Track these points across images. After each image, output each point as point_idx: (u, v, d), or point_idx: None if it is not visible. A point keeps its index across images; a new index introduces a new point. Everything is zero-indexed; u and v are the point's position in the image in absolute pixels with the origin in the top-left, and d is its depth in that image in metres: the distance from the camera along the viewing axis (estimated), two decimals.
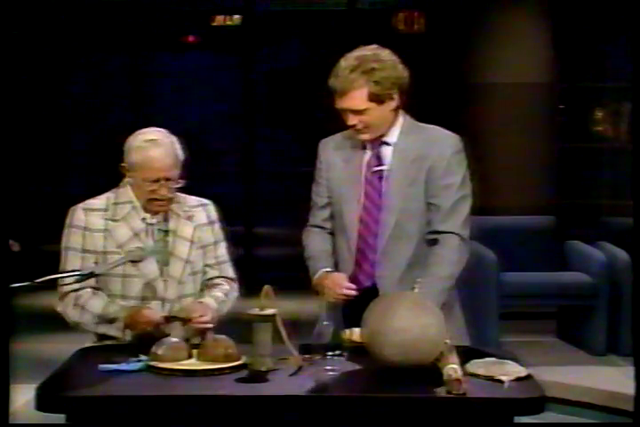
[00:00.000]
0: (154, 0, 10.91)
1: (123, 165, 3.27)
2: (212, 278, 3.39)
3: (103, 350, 3.09)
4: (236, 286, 3.43)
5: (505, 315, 6.06)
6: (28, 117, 10.22)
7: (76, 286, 3.18)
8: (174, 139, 3.29)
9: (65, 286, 3.19)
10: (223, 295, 3.35)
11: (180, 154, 3.27)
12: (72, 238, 3.28)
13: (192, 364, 2.89)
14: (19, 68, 9.59)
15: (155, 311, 3.18)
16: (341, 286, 3.17)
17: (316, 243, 3.37)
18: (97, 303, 3.21)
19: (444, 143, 3.25)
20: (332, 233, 3.37)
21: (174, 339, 3.01)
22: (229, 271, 3.43)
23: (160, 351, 2.90)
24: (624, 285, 6.15)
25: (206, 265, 3.37)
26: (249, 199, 10.27)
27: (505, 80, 8.30)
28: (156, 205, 3.26)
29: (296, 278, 5.50)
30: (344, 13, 10.43)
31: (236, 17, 11.23)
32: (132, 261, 3.19)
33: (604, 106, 9.41)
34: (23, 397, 3.09)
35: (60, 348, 3.28)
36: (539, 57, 8.44)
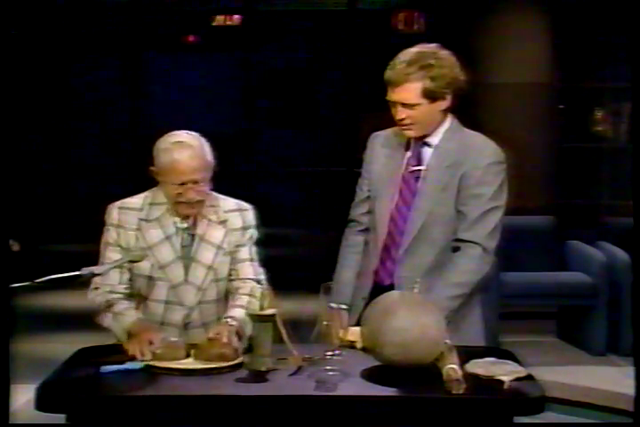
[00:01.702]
0: (154, 0, 10.91)
1: (151, 168, 3.21)
2: (231, 280, 3.31)
3: (103, 350, 3.09)
4: (252, 285, 3.26)
5: (505, 315, 6.06)
6: (29, 118, 10.22)
7: (116, 279, 3.18)
8: (204, 141, 3.21)
9: (97, 278, 3.16)
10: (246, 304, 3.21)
11: (210, 157, 3.19)
12: (109, 235, 3.25)
13: (190, 363, 2.90)
14: (18, 69, 9.59)
15: (155, 336, 3.03)
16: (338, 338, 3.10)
17: (349, 258, 3.39)
18: (123, 305, 3.19)
19: (481, 153, 3.23)
20: (368, 228, 3.37)
21: (173, 338, 3.02)
22: (247, 271, 3.31)
23: (158, 350, 2.91)
24: (624, 285, 6.15)
25: (232, 269, 3.31)
26: (249, 199, 10.25)
27: (505, 80, 8.31)
28: (183, 208, 3.20)
29: (296, 278, 5.50)
30: (344, 13, 10.43)
31: (236, 17, 11.23)
32: (132, 261, 3.18)
33: (604, 106, 9.40)
34: (23, 397, 3.09)
35: (60, 348, 3.28)
36: (539, 57, 8.44)
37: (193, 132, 3.24)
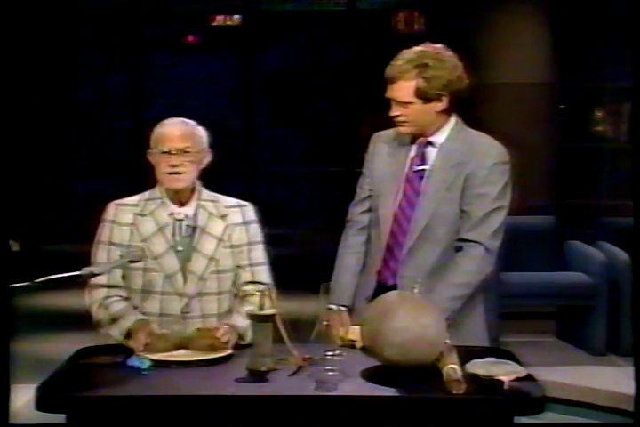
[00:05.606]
0: (154, 0, 10.92)
1: (147, 151, 3.28)
2: (245, 284, 3.30)
3: (103, 349, 3.09)
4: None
5: (505, 315, 6.05)
6: (29, 118, 10.22)
7: (103, 280, 3.19)
8: (199, 126, 3.31)
9: (94, 280, 3.18)
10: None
11: (200, 134, 3.27)
12: (102, 232, 3.30)
13: (183, 355, 2.93)
14: (19, 69, 9.59)
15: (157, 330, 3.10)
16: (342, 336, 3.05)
17: (348, 259, 3.38)
18: (120, 306, 3.20)
19: (486, 153, 3.22)
20: (366, 227, 3.37)
21: (164, 330, 3.07)
22: (263, 276, 3.32)
23: (149, 341, 2.95)
24: (624, 285, 6.14)
25: (238, 266, 3.31)
26: (249, 199, 10.24)
27: (505, 80, 8.31)
28: (170, 181, 3.23)
29: (296, 278, 5.50)
30: (344, 13, 10.43)
31: (236, 17, 11.24)
32: (132, 261, 3.19)
33: (604, 106, 9.41)
34: (23, 397, 3.09)
35: (60, 348, 3.28)
36: (539, 57, 8.44)
37: (190, 120, 3.33)
